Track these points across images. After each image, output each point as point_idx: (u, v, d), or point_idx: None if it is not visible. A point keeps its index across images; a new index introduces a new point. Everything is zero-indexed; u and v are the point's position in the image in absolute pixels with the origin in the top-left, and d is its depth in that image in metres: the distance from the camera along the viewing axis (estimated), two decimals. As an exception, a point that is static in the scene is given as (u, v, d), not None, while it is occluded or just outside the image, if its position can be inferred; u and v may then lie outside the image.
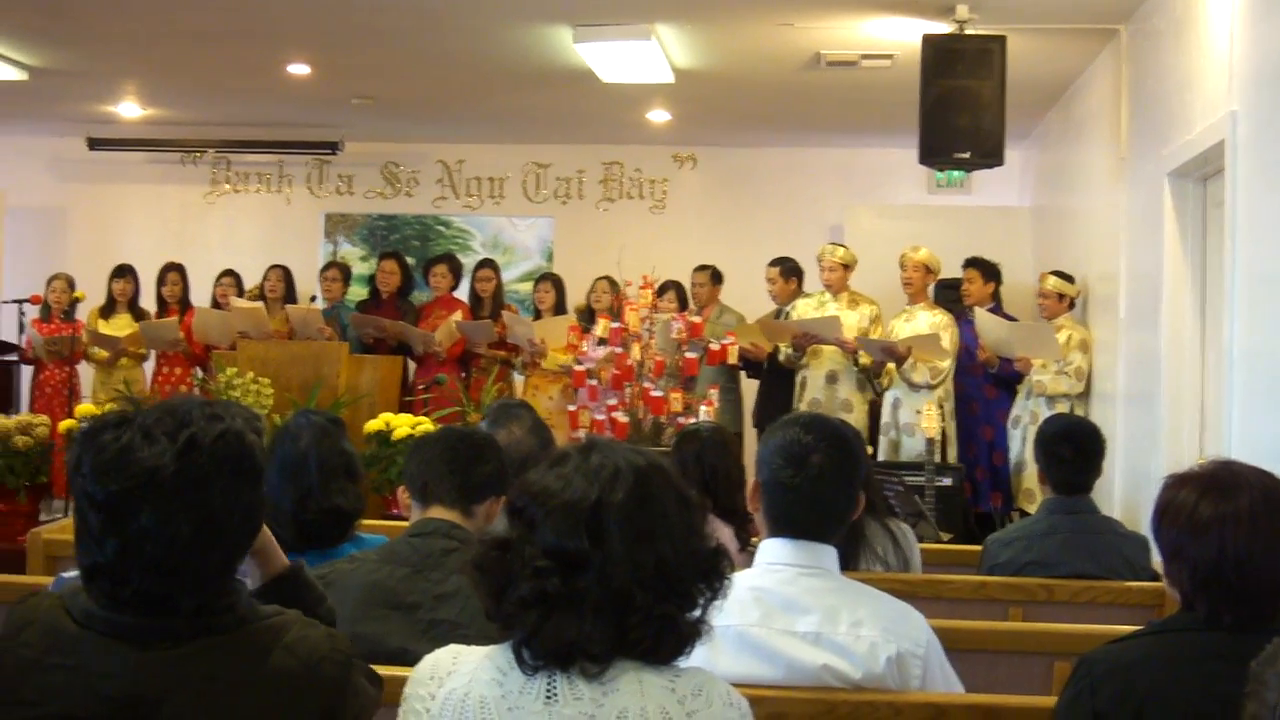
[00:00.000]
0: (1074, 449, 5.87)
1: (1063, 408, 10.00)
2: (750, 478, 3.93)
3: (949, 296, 11.78)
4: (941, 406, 10.54)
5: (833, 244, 11.72)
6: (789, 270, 12.07)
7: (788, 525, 3.69)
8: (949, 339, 10.91)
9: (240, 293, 13.21)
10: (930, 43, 9.28)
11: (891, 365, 10.98)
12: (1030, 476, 10.08)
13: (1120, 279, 9.54)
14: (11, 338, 13.28)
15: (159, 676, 2.51)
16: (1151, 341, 8.59)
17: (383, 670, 3.45)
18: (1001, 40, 9.20)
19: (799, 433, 3.73)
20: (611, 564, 2.57)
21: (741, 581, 3.56)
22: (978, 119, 9.19)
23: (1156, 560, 5.98)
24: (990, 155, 9.29)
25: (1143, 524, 7.92)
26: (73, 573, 2.70)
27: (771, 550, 3.70)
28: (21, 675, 2.57)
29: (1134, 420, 9.14)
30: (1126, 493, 9.20)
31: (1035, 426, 8.15)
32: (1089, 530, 5.91)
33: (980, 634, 4.83)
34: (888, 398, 11.18)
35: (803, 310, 11.50)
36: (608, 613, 2.56)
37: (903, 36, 9.85)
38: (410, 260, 14.04)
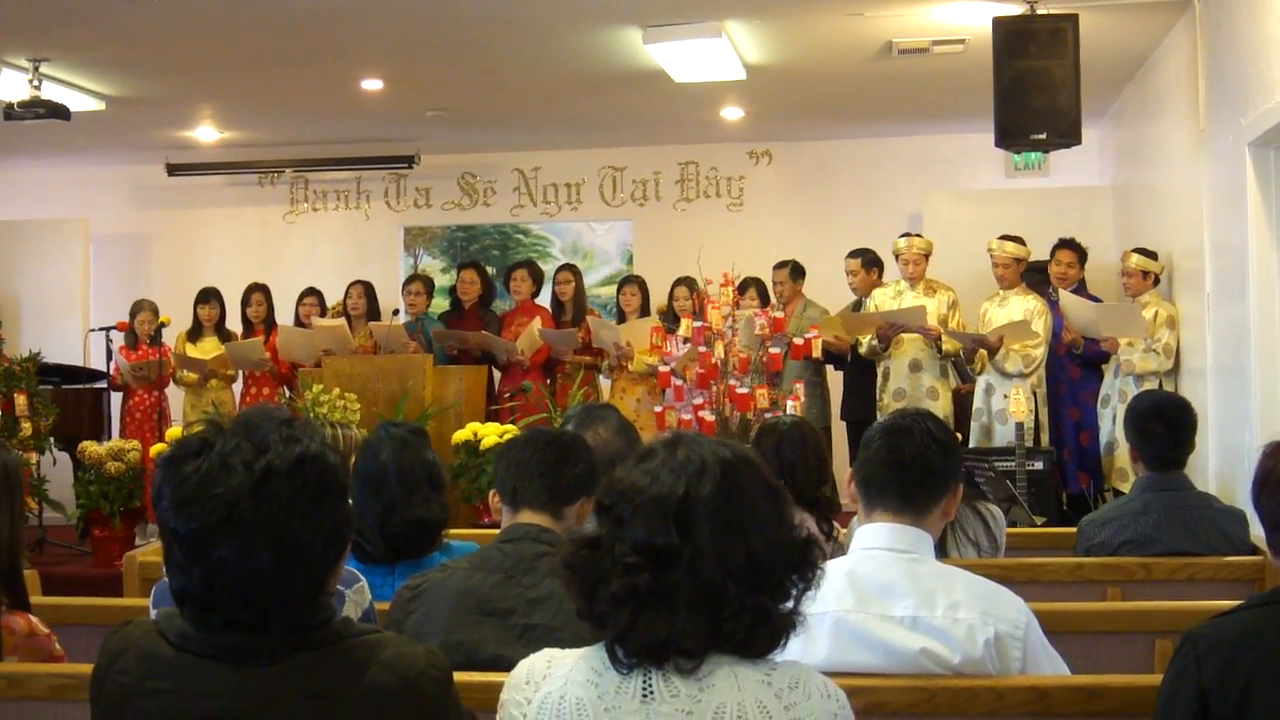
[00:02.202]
0: (1165, 424, 5.82)
1: (1151, 385, 9.90)
2: (841, 471, 3.94)
3: (1034, 279, 11.69)
4: (1035, 392, 10.48)
5: (908, 235, 11.68)
6: (870, 261, 12.02)
7: (884, 503, 3.69)
8: (1042, 325, 10.81)
9: (323, 311, 13.27)
10: (1002, 25, 9.22)
11: (984, 352, 10.91)
12: (1122, 456, 9.98)
13: (1205, 253, 9.43)
14: (100, 365, 13.41)
15: (255, 694, 2.52)
16: (1240, 314, 8.49)
17: (478, 677, 3.48)
18: (1073, 19, 9.12)
19: (900, 417, 3.84)
20: (701, 558, 2.56)
21: (837, 567, 3.57)
22: (1053, 99, 9.12)
23: (1255, 534, 5.96)
24: (1067, 135, 9.23)
25: (1238, 498, 7.85)
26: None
27: (868, 535, 3.71)
28: (120, 702, 2.59)
29: (1225, 394, 9.04)
30: (1221, 468, 9.10)
31: (1125, 405, 8.08)
32: (1184, 506, 5.85)
33: (1079, 615, 4.80)
34: (980, 383, 11.10)
35: (880, 300, 11.47)
36: (700, 607, 2.55)
37: (973, 20, 9.78)
38: (490, 270, 14.07)
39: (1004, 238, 11.16)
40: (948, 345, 11.04)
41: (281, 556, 2.50)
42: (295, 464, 2.54)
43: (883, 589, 3.58)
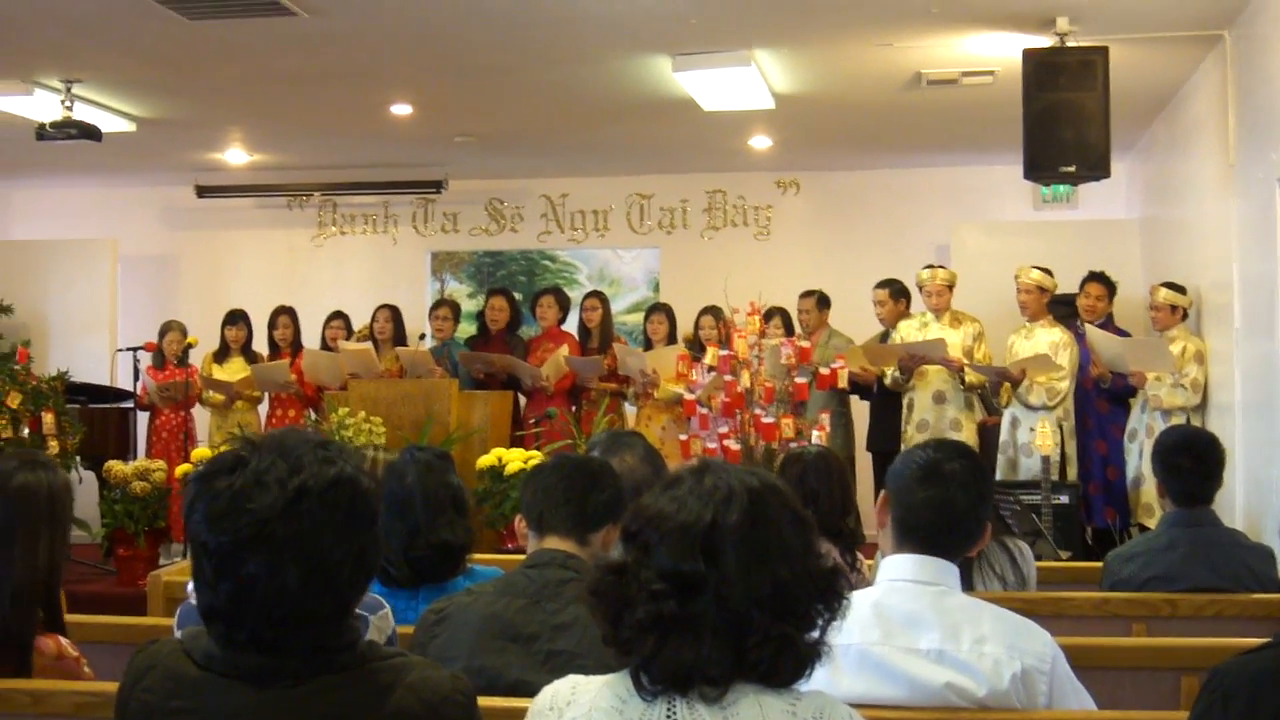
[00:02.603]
0: (1193, 459, 5.78)
1: (1179, 420, 9.86)
2: (864, 501, 3.94)
3: (1061, 312, 11.67)
4: (1060, 425, 10.45)
5: (931, 267, 11.65)
6: (898, 292, 12.02)
7: (916, 538, 3.68)
8: (1068, 357, 10.78)
9: (350, 334, 13.29)
10: (1031, 57, 9.23)
11: (1009, 385, 10.89)
12: (1149, 491, 9.93)
13: (1234, 288, 9.41)
14: (127, 385, 13.43)
15: (280, 715, 2.51)
16: (1268, 349, 8.47)
17: (501, 702, 3.47)
18: (1103, 51, 9.12)
19: (932, 451, 3.81)
20: (728, 586, 2.55)
21: (863, 599, 3.56)
22: (1082, 132, 9.12)
23: (1283, 571, 5.91)
24: (1096, 167, 9.22)
25: (1266, 535, 7.81)
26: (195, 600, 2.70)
27: (895, 567, 3.69)
28: (145, 720, 2.59)
29: (1253, 430, 9.01)
30: (1248, 503, 9.06)
31: (1152, 440, 8.05)
32: (1211, 543, 5.81)
33: (1104, 651, 4.77)
34: (1006, 416, 11.07)
35: (905, 332, 11.46)
36: (725, 635, 2.54)
37: (1003, 52, 9.79)
38: (518, 296, 14.09)
39: (1029, 268, 11.14)
40: (971, 378, 11.02)
41: (309, 576, 2.50)
42: (329, 485, 2.54)
43: (909, 621, 3.56)
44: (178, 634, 3.25)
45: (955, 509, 3.69)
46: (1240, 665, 3.18)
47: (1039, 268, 11.12)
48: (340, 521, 2.54)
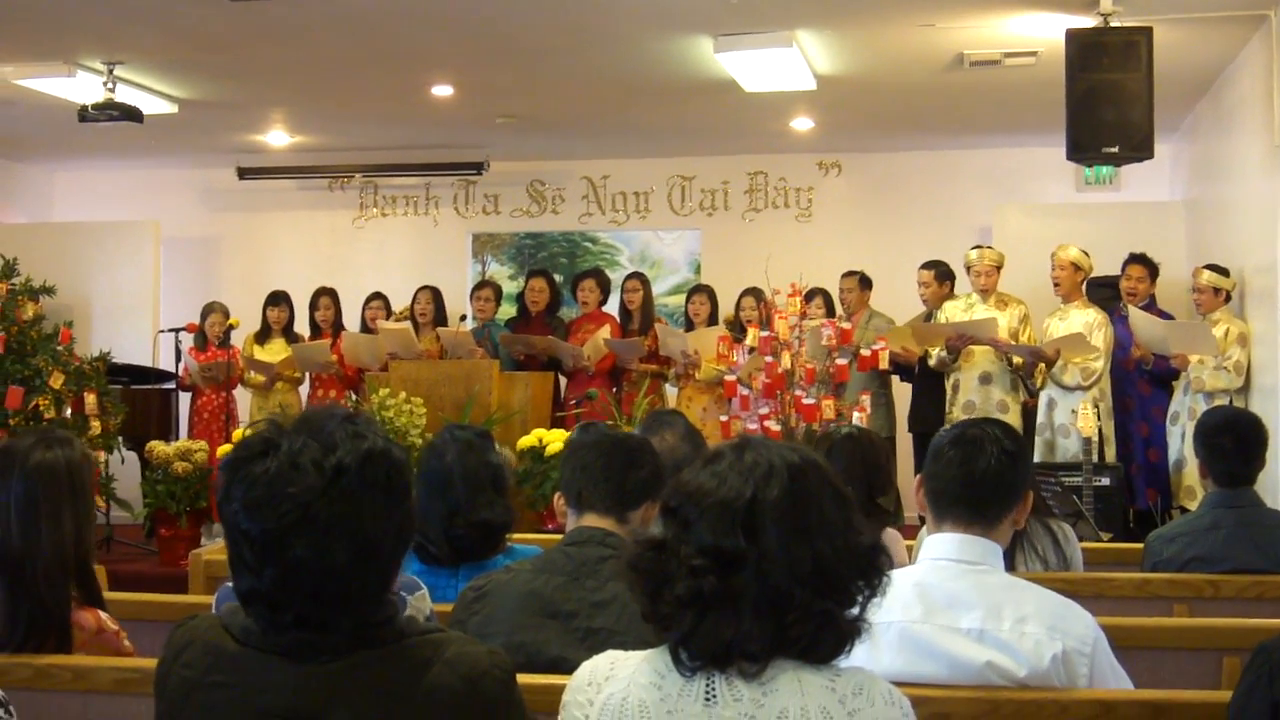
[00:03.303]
0: (1235, 440, 5.75)
1: (1222, 402, 9.81)
2: (908, 482, 3.94)
3: (1103, 294, 11.63)
4: (1097, 406, 10.40)
5: (979, 248, 11.62)
6: (943, 274, 12.00)
7: (954, 515, 3.68)
8: (1102, 338, 10.76)
9: (389, 315, 13.30)
10: (1074, 37, 9.17)
11: (1043, 366, 10.87)
12: (1191, 473, 9.90)
13: (1278, 270, 9.36)
14: (169, 366, 13.50)
15: (319, 690, 2.51)
16: (1312, 332, 8.43)
17: (540, 679, 3.47)
18: (1147, 31, 9.06)
19: (968, 427, 3.82)
20: (768, 562, 2.55)
21: (905, 577, 3.55)
22: (1125, 112, 9.06)
23: (1327, 552, 5.87)
24: (1139, 149, 9.16)
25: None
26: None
27: (937, 545, 3.69)
28: (184, 696, 2.60)
29: (1297, 413, 8.97)
30: (1292, 487, 9.02)
31: (1194, 423, 8.01)
32: (1254, 523, 5.77)
33: (1145, 631, 4.75)
34: (1042, 398, 11.05)
35: (951, 313, 11.43)
36: (765, 611, 2.54)
37: (1046, 33, 9.74)
38: (559, 278, 14.10)
39: (1066, 245, 11.11)
40: (1017, 359, 10.98)
41: (356, 554, 2.50)
42: (364, 460, 2.54)
43: (950, 600, 3.56)
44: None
45: (984, 467, 3.69)
46: (1288, 640, 3.17)
47: (1075, 248, 11.09)
48: (379, 495, 2.54)
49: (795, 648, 2.57)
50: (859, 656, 2.70)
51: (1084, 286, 11.31)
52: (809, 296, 11.04)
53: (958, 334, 11.04)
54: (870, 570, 2.66)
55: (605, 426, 4.74)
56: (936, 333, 11.31)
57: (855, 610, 2.63)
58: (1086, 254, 11.09)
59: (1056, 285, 11.13)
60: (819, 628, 2.58)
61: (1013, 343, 10.99)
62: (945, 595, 3.57)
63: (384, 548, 2.56)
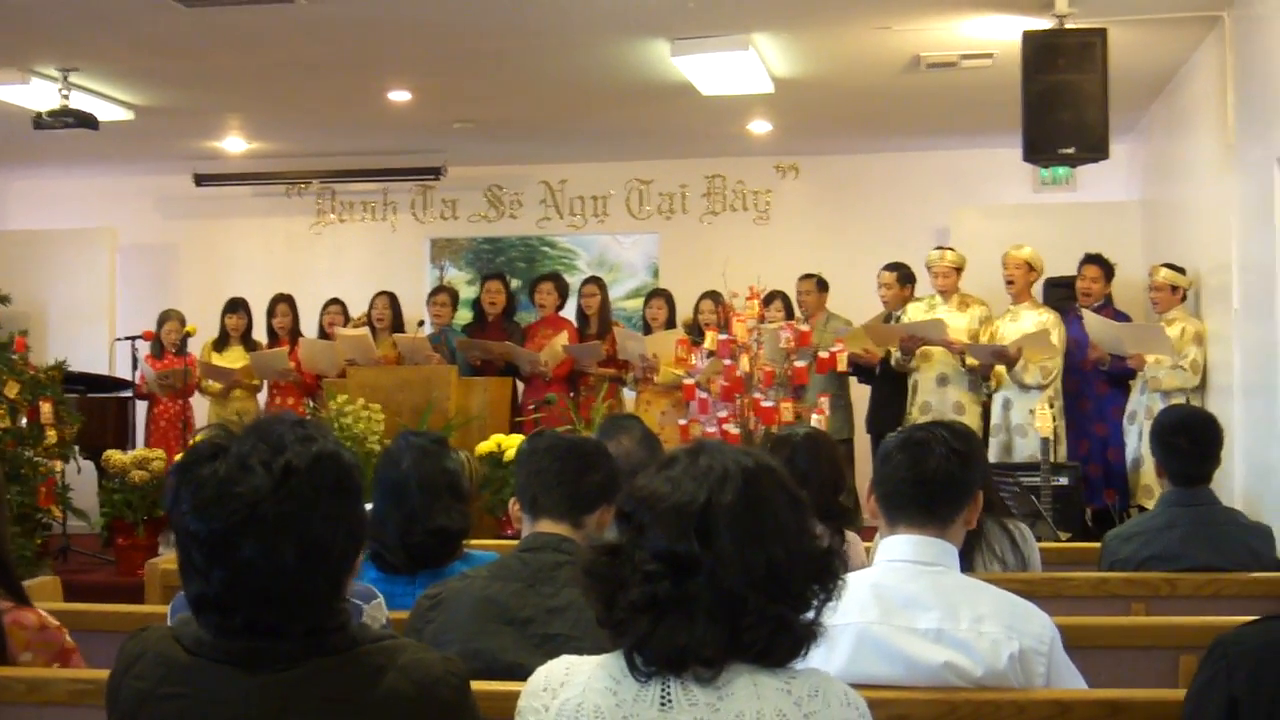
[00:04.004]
0: (1190, 439, 5.77)
1: (1178, 401, 9.84)
2: (862, 483, 3.96)
3: (1060, 294, 11.68)
4: (1051, 405, 10.43)
5: (939, 249, 11.69)
6: (905, 276, 12.04)
7: (907, 517, 3.69)
8: (1057, 336, 10.82)
9: (346, 321, 13.27)
10: (1030, 39, 9.21)
11: (1000, 368, 10.91)
12: (1148, 473, 9.92)
13: (1233, 269, 9.41)
14: (126, 374, 13.44)
15: (271, 700, 2.50)
16: (1268, 331, 8.47)
17: (496, 685, 3.46)
18: (1102, 33, 9.11)
19: (916, 430, 3.83)
20: (722, 566, 2.54)
21: (861, 579, 3.56)
22: (1081, 113, 9.11)
23: (1283, 550, 5.91)
24: (1095, 149, 9.21)
25: (1265, 515, 7.81)
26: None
27: (892, 547, 3.70)
28: (136, 707, 2.59)
29: (1252, 411, 9.01)
30: (1247, 485, 9.07)
31: (1151, 421, 8.05)
32: (1210, 522, 5.80)
33: (1103, 630, 4.77)
34: (997, 399, 11.11)
35: (913, 314, 11.47)
36: (720, 616, 2.54)
37: (1002, 34, 9.78)
38: (516, 283, 14.09)
39: (1020, 245, 11.18)
40: (970, 360, 11.02)
41: (304, 554, 2.49)
42: (314, 461, 2.53)
43: (907, 601, 3.56)
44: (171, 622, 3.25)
45: (933, 468, 3.70)
46: (1245, 636, 3.17)
47: (1030, 249, 11.15)
48: (328, 497, 2.54)
49: (750, 652, 2.57)
50: (816, 658, 2.69)
51: (1038, 287, 11.36)
52: (768, 300, 11.06)
53: (908, 334, 11.08)
54: (825, 574, 2.65)
55: (558, 433, 4.72)
56: (890, 334, 11.35)
57: (810, 614, 2.63)
58: (1039, 255, 11.14)
59: (1009, 285, 11.18)
60: (774, 632, 2.58)
61: (966, 343, 11.02)
62: (902, 596, 3.57)
63: (333, 550, 2.54)
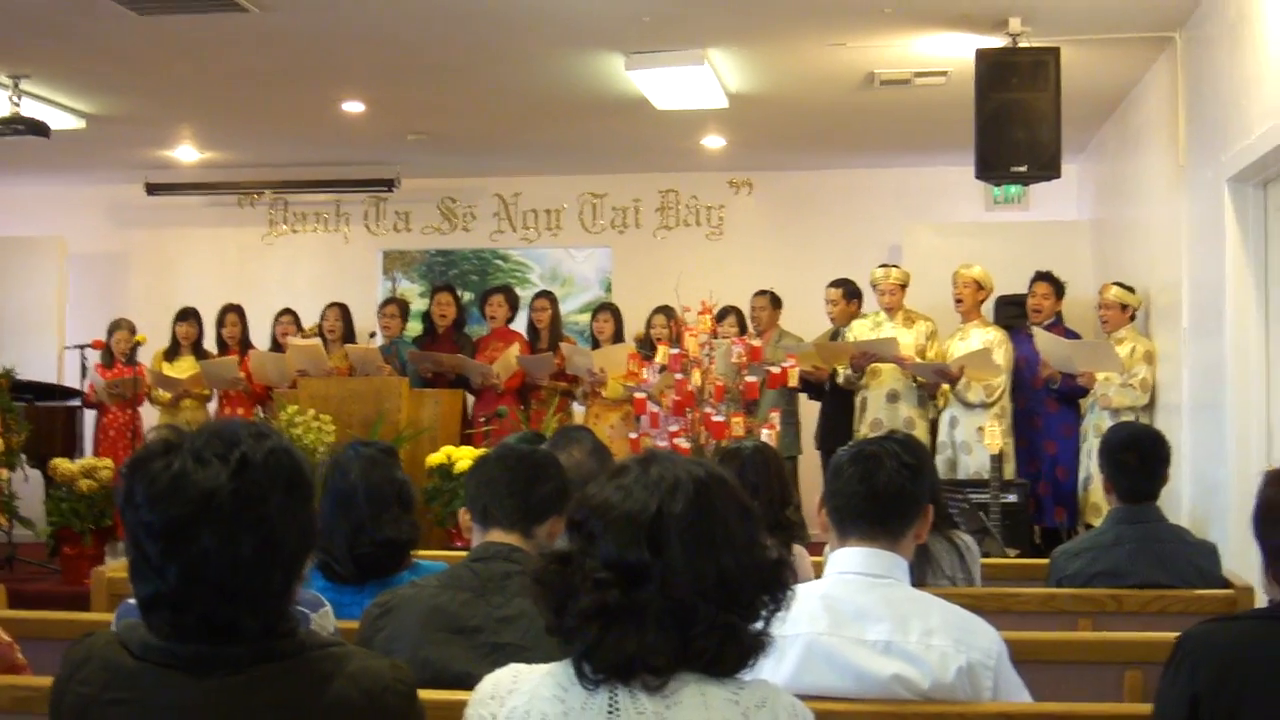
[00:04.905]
0: (1138, 456, 5.80)
1: (1128, 419, 9.89)
2: (814, 500, 3.96)
3: (1011, 312, 11.73)
4: (1000, 422, 10.47)
5: (885, 266, 11.74)
6: (850, 292, 12.07)
7: (858, 530, 3.70)
8: (1003, 354, 10.89)
9: (299, 331, 13.23)
10: (984, 57, 9.26)
11: (946, 385, 10.96)
12: (1096, 490, 9.97)
13: (1183, 288, 9.46)
14: (75, 383, 13.38)
15: (218, 705, 2.48)
16: (1216, 350, 8.52)
17: (446, 695, 3.45)
18: (1055, 52, 9.16)
19: (868, 443, 3.86)
20: (672, 575, 2.54)
21: (812, 590, 3.57)
22: (1034, 132, 9.15)
23: (1228, 567, 5.97)
24: (1047, 167, 9.26)
25: (1212, 532, 7.87)
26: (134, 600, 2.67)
27: (842, 560, 3.71)
28: (81, 714, 2.56)
29: (1200, 430, 9.06)
30: (1195, 503, 9.12)
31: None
32: (1157, 539, 5.83)
33: (1050, 645, 4.79)
34: (944, 416, 11.15)
35: (859, 331, 11.50)
36: (669, 624, 2.54)
37: (955, 52, 9.81)
38: (468, 296, 14.08)
39: (970, 264, 11.24)
40: (921, 378, 11.07)
41: (261, 546, 2.48)
42: (268, 455, 2.52)
43: (858, 613, 3.57)
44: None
45: (884, 481, 3.72)
46: (1212, 632, 3.20)
47: (980, 268, 11.21)
48: (284, 490, 2.52)
49: (699, 661, 2.57)
50: (764, 669, 2.70)
51: (989, 306, 11.41)
52: (721, 315, 11.10)
53: (860, 352, 11.11)
54: (775, 584, 2.66)
55: (512, 443, 4.71)
56: (840, 351, 11.37)
57: (759, 624, 2.63)
58: (988, 274, 11.20)
59: (959, 303, 11.24)
60: (723, 641, 2.58)
61: (918, 360, 11.07)
62: (853, 608, 3.58)
63: (288, 545, 2.53)
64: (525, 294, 13.77)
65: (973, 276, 11.17)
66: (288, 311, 13.46)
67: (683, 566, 2.55)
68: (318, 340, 12.58)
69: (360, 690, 2.54)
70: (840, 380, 11.45)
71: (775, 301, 12.62)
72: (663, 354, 9.62)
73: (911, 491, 3.74)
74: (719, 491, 2.67)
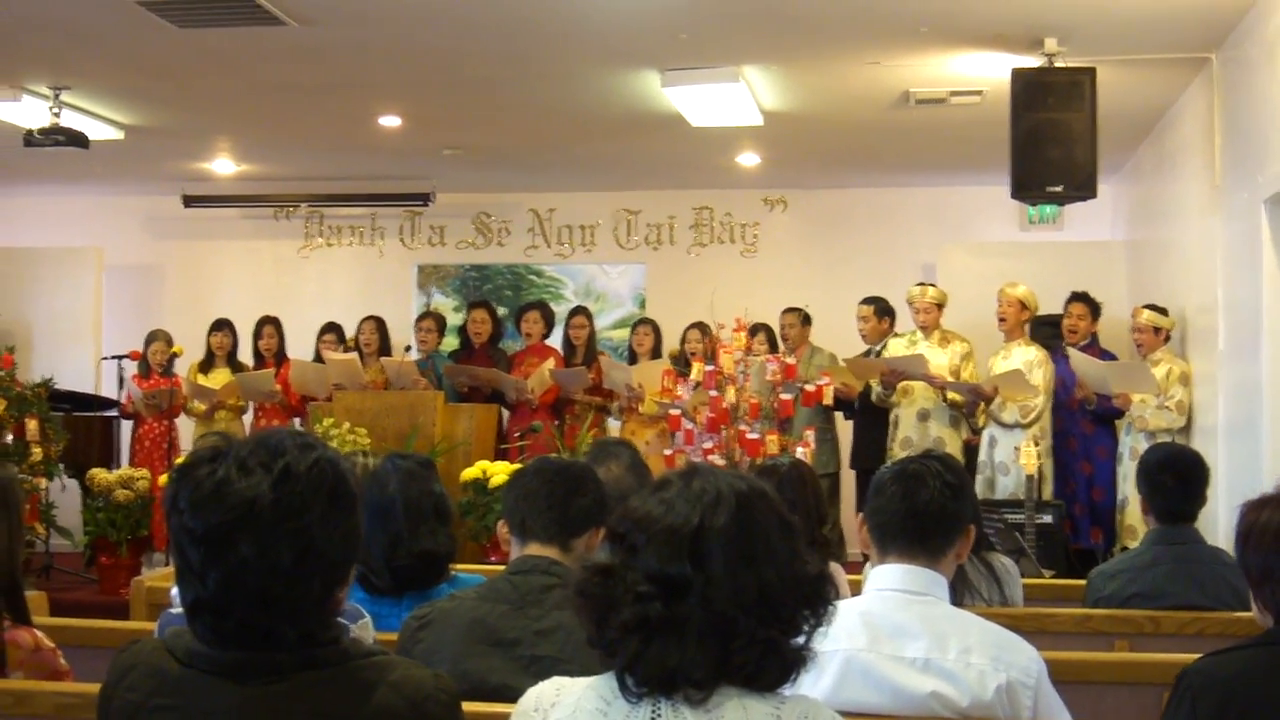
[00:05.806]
0: (1176, 477, 5.78)
1: (1165, 440, 9.86)
2: (851, 519, 3.97)
3: (1047, 333, 11.70)
4: (1037, 443, 10.45)
5: (921, 285, 11.72)
6: (882, 310, 12.06)
7: (898, 548, 3.70)
8: (1042, 375, 10.83)
9: (341, 347, 13.26)
10: (1020, 76, 9.24)
11: (983, 405, 10.94)
12: (1133, 513, 9.94)
13: (1219, 310, 9.43)
14: (112, 393, 13.44)
15: (263, 712, 2.49)
16: (1252, 371, 8.49)
17: (484, 707, 3.46)
18: (1091, 72, 9.14)
19: (910, 462, 3.85)
20: (714, 589, 2.54)
21: (850, 607, 3.56)
22: (1069, 152, 9.13)
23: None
24: (1083, 188, 9.23)
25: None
26: (177, 609, 2.69)
27: (883, 576, 3.71)
28: (128, 719, 2.58)
29: (1237, 452, 9.02)
30: (1231, 525, 9.05)
31: (1136, 462, 8.06)
32: (1194, 560, 5.81)
33: (1087, 665, 4.78)
34: (984, 436, 11.11)
35: (894, 349, 11.50)
36: (711, 638, 2.53)
37: (991, 72, 9.80)
38: (502, 310, 14.12)
39: (1015, 283, 11.21)
40: (953, 396, 11.04)
41: (300, 556, 2.49)
42: (312, 465, 2.54)
43: (896, 630, 3.57)
44: (159, 637, 3.24)
45: (925, 500, 3.72)
46: (1210, 666, 3.21)
47: (1025, 287, 11.17)
48: (326, 500, 2.53)
49: (740, 675, 2.57)
50: (803, 685, 2.70)
51: (1028, 325, 11.37)
52: (752, 332, 11.08)
53: (890, 369, 11.10)
54: (816, 599, 2.66)
55: (550, 456, 4.72)
56: (870, 368, 11.37)
57: (800, 639, 2.63)
58: (1033, 294, 11.16)
59: (1001, 321, 11.19)
60: (763, 655, 2.57)
61: (949, 379, 11.04)
62: (891, 625, 3.58)
63: (329, 554, 2.54)
64: (560, 310, 13.79)
65: (1017, 296, 11.13)
66: (332, 328, 13.47)
67: (724, 580, 2.55)
68: (354, 355, 12.61)
69: (403, 698, 2.55)
70: (873, 397, 11.45)
71: (805, 319, 12.61)
72: (698, 370, 9.63)
73: (954, 510, 3.74)
74: (761, 505, 2.67)
